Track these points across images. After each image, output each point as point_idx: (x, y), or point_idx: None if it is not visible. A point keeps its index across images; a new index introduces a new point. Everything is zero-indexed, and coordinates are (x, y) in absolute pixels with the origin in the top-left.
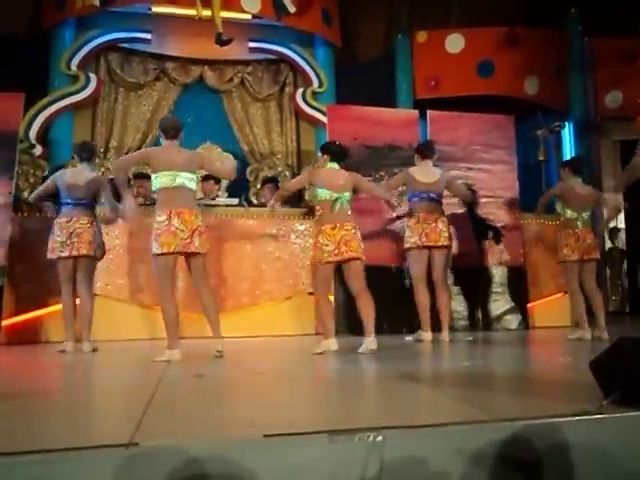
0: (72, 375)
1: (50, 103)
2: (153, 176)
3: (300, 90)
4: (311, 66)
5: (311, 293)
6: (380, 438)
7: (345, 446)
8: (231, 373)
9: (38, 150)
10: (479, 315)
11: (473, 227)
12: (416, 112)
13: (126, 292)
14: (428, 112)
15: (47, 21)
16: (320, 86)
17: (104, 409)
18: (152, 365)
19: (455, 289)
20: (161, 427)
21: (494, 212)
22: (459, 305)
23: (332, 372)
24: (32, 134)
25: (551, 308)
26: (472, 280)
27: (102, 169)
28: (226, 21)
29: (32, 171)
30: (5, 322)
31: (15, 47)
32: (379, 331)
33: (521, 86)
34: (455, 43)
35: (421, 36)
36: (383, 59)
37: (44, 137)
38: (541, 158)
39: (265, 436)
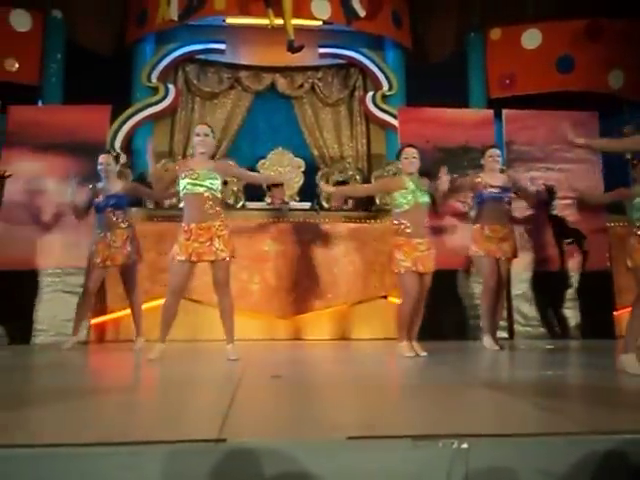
0: (155, 372)
1: (133, 114)
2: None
3: (370, 93)
4: (381, 69)
5: (383, 297)
6: (465, 445)
7: (428, 452)
8: (307, 375)
9: (122, 159)
10: (560, 322)
11: (553, 230)
12: (491, 112)
13: (201, 293)
14: (504, 111)
15: (130, 38)
16: (390, 89)
17: (190, 405)
18: (229, 364)
19: (534, 295)
20: (246, 425)
21: (577, 214)
22: (538, 312)
23: (409, 377)
24: (117, 143)
25: None
26: (552, 286)
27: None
28: (296, 28)
29: (117, 178)
30: (94, 321)
31: (102, 64)
32: (446, 337)
33: (604, 80)
34: (532, 38)
35: (495, 33)
36: (454, 59)
37: (128, 146)
38: (628, 157)
39: (348, 438)
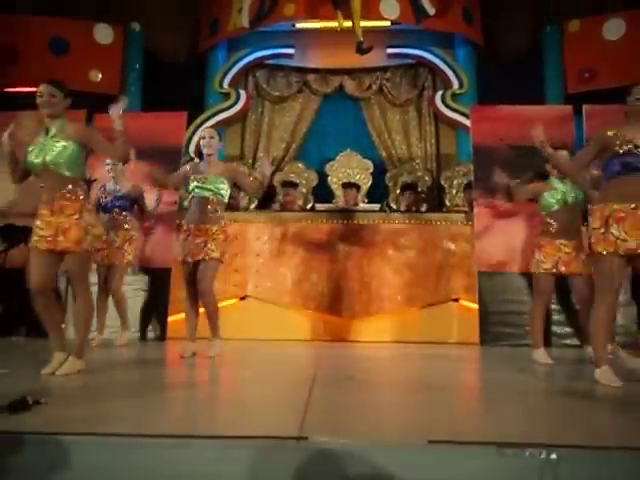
0: (230, 370)
1: (206, 119)
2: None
3: (439, 92)
4: (451, 67)
5: (454, 300)
6: (554, 456)
7: (514, 461)
8: (380, 377)
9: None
10: None
11: None
12: (570, 107)
13: (272, 294)
14: (584, 107)
15: (203, 46)
16: (461, 87)
17: (268, 403)
18: (301, 364)
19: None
20: (324, 424)
21: None
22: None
23: (488, 382)
24: (191, 148)
25: None
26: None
27: (250, 178)
28: (365, 29)
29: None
30: (170, 318)
31: (177, 71)
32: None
33: None
34: (614, 29)
35: (573, 25)
36: (528, 54)
37: (201, 151)
38: None
39: (430, 442)
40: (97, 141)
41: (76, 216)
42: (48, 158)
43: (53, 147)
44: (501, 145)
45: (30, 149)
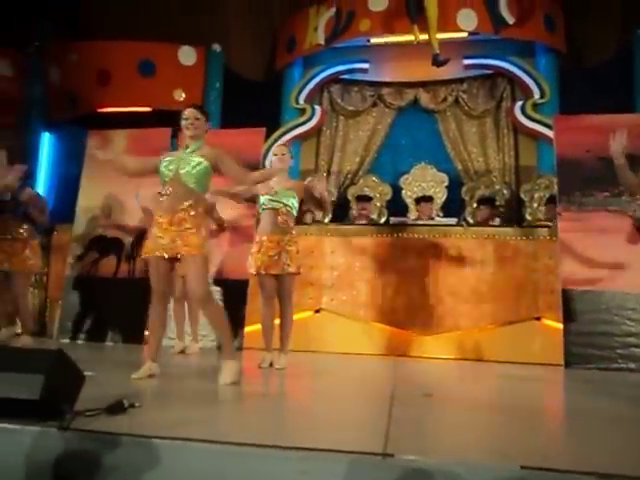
0: (307, 382)
1: (282, 135)
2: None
3: (519, 103)
4: (532, 76)
5: (537, 318)
6: None
7: None
8: (460, 395)
9: None
10: None
11: None
12: None
13: (347, 307)
14: None
15: (280, 63)
16: (542, 97)
17: (349, 417)
18: (377, 378)
19: None
20: (409, 442)
21: None
22: None
23: (580, 406)
24: (267, 164)
25: None
26: None
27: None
28: (440, 41)
29: None
30: (247, 329)
31: (255, 89)
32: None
33: None
34: None
35: None
36: (616, 60)
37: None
38: None
39: (522, 467)
40: (226, 163)
41: (194, 230)
42: (181, 169)
43: (189, 160)
44: (588, 157)
45: (166, 159)
